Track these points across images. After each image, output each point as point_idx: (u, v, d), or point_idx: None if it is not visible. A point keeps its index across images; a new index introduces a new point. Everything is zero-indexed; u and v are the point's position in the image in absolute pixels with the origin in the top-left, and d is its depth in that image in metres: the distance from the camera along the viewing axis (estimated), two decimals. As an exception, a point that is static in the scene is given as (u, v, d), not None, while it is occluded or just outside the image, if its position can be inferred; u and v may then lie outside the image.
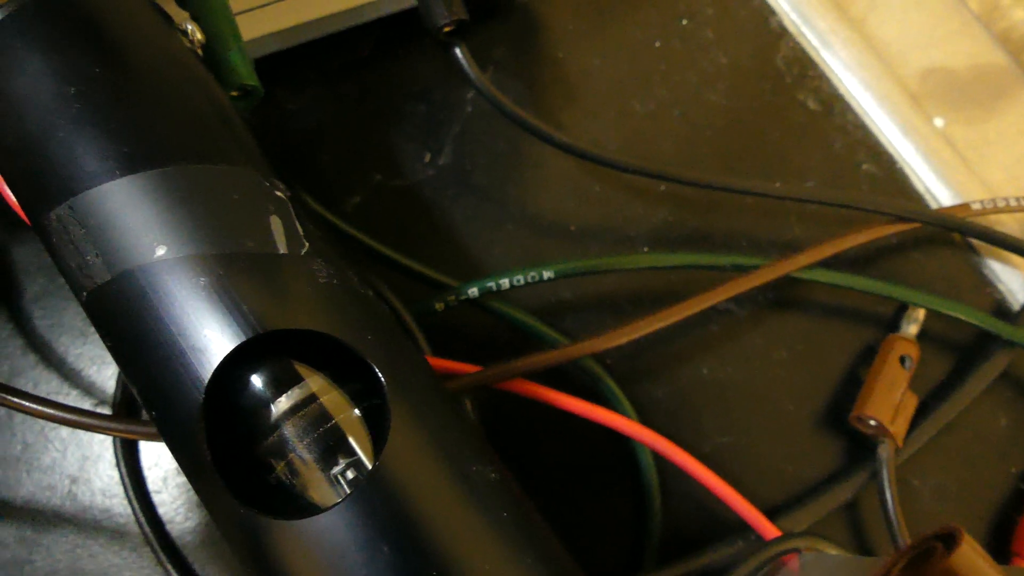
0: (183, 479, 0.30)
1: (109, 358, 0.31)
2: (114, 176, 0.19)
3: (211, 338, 0.18)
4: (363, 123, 0.35)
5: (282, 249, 0.20)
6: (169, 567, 0.29)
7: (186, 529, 0.30)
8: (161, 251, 0.19)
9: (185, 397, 0.19)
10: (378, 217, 0.34)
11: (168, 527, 0.30)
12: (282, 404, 0.19)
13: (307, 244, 0.20)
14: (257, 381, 0.20)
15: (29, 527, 0.30)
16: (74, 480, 0.30)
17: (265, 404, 0.20)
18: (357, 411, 0.20)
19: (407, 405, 0.19)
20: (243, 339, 0.18)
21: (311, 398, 0.19)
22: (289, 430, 0.19)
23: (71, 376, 0.31)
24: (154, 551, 0.30)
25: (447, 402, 0.21)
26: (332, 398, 0.20)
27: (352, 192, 0.34)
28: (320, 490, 0.19)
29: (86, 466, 0.30)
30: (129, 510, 0.30)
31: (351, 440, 0.19)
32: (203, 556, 0.30)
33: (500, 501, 0.19)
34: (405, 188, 0.34)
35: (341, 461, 0.19)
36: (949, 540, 0.15)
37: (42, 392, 0.31)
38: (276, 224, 0.20)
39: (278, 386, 0.20)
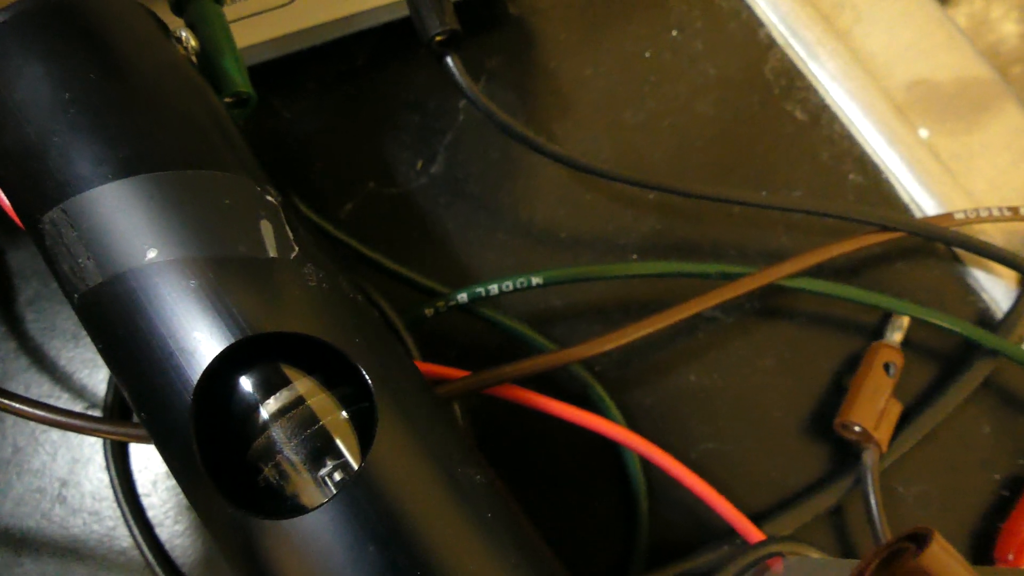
0: (173, 482, 0.31)
1: (101, 362, 0.32)
2: (107, 180, 0.20)
3: (200, 340, 0.19)
4: (357, 131, 0.35)
5: (272, 253, 0.20)
6: (158, 570, 0.29)
7: (175, 532, 0.30)
8: (152, 254, 0.19)
9: (175, 399, 0.19)
10: (371, 224, 0.34)
11: (157, 530, 0.30)
12: (270, 406, 0.20)
13: (296, 249, 0.21)
14: (246, 383, 0.20)
15: (19, 529, 0.30)
16: (64, 483, 0.31)
17: (254, 406, 0.20)
18: (345, 414, 0.20)
19: (394, 408, 0.19)
20: (232, 341, 0.19)
21: (299, 400, 0.20)
22: (277, 432, 0.19)
23: (63, 380, 0.32)
24: (143, 554, 0.30)
25: (434, 405, 0.21)
26: (320, 400, 0.20)
27: (346, 199, 0.34)
28: (308, 492, 0.19)
29: (76, 469, 0.31)
30: (119, 513, 0.30)
31: (338, 442, 0.20)
32: (192, 559, 0.30)
33: (485, 502, 0.19)
34: (398, 196, 0.34)
35: (328, 463, 0.19)
36: (921, 540, 0.16)
37: (34, 395, 0.31)
38: (266, 229, 0.21)
39: (267, 388, 0.20)
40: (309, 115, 0.35)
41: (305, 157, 0.35)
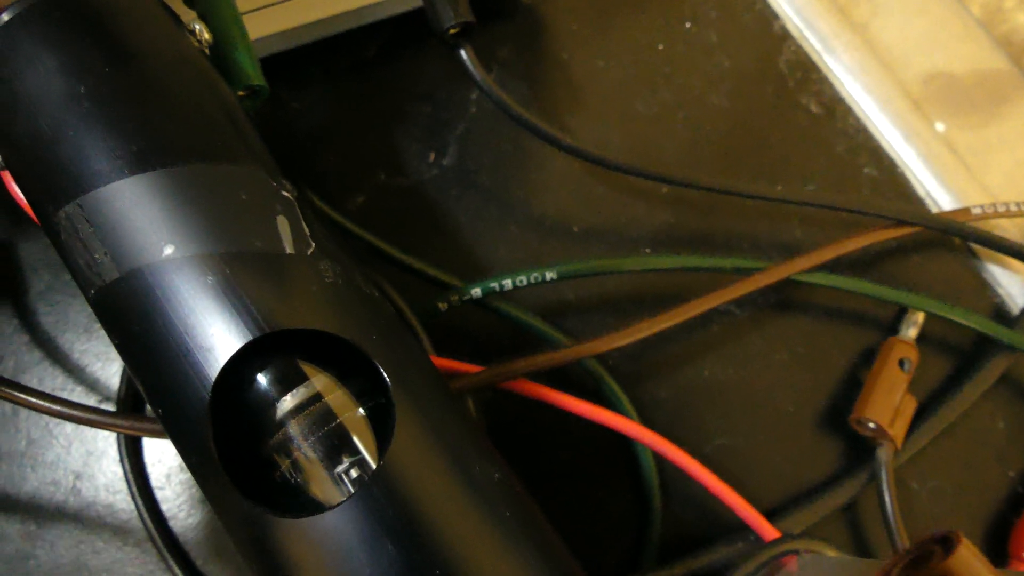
0: (186, 475, 0.31)
1: (114, 354, 0.32)
2: (123, 175, 0.19)
3: (218, 337, 0.19)
4: (368, 123, 0.35)
5: (289, 249, 0.20)
6: (172, 563, 0.29)
7: (189, 525, 0.30)
8: (169, 250, 0.19)
9: (192, 395, 0.19)
10: (382, 216, 0.34)
11: (171, 523, 0.30)
12: (287, 403, 0.20)
13: (313, 244, 0.21)
14: (263, 380, 0.20)
15: (33, 522, 0.30)
16: (78, 476, 0.31)
17: (271, 402, 0.20)
18: (362, 410, 0.20)
19: (412, 404, 0.19)
20: (250, 338, 0.19)
21: (316, 397, 0.20)
22: (294, 428, 0.19)
23: (76, 372, 0.31)
24: (157, 547, 0.30)
25: (451, 402, 0.21)
26: (337, 397, 0.20)
27: (356, 191, 0.34)
28: (324, 488, 0.19)
29: (90, 462, 0.31)
30: (132, 506, 0.30)
31: (355, 439, 0.20)
32: (205, 552, 0.30)
33: (503, 500, 0.19)
34: (409, 188, 0.34)
35: (345, 460, 0.19)
36: (947, 543, 0.16)
37: (47, 388, 0.31)
38: (283, 224, 0.20)
39: (284, 385, 0.20)
40: (319, 107, 0.35)
41: (315, 150, 0.35)
